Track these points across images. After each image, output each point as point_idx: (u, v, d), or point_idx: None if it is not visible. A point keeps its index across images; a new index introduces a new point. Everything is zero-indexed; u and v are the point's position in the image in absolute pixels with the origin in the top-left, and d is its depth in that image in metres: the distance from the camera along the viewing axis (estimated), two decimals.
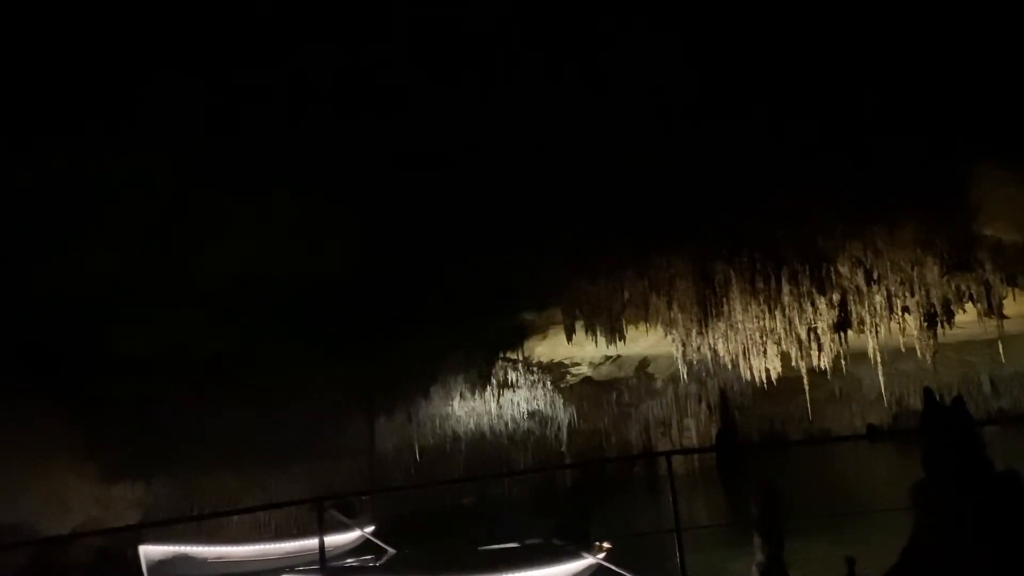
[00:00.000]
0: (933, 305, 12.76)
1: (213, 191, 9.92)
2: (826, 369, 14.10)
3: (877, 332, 13.06)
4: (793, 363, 13.83)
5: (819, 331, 13.22)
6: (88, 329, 11.19)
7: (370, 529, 11.65)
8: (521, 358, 17.38)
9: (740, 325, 13.18)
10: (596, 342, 14.77)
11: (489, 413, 18.28)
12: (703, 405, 21.77)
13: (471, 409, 17.98)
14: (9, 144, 8.77)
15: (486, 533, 10.79)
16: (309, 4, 9.04)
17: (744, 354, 13.73)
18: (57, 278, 10.14)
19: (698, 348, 14.04)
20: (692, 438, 21.55)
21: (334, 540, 12.06)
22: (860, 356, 14.63)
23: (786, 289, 12.49)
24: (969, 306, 12.93)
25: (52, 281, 10.20)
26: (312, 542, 12.00)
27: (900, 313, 12.82)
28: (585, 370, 19.56)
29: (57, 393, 11.60)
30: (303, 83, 9.43)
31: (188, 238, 10.37)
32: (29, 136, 9.26)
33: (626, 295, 13.64)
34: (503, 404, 18.25)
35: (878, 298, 12.68)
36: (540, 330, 15.88)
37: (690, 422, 21.72)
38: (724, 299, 12.88)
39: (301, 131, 9.41)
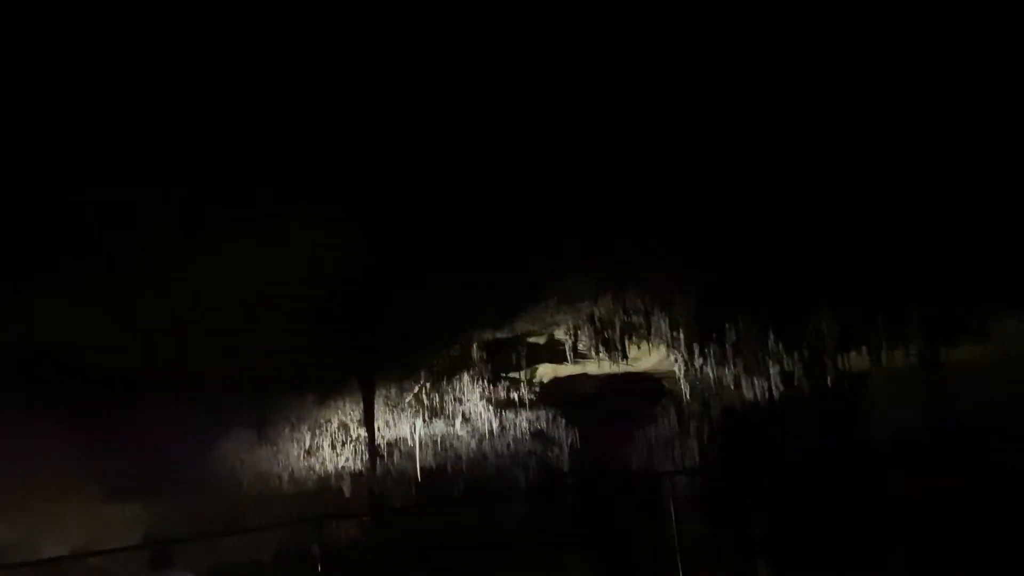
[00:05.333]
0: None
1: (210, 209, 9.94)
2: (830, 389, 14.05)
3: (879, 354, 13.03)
4: (795, 383, 13.79)
5: (822, 352, 13.20)
6: (88, 347, 11.18)
7: None
8: (524, 378, 17.36)
9: (742, 345, 13.17)
10: (598, 362, 14.75)
11: (491, 433, 18.21)
12: (706, 425, 21.61)
13: (472, 429, 17.93)
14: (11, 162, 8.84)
15: None
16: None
17: (746, 373, 13.71)
18: (56, 296, 10.17)
19: (700, 368, 14.02)
20: (695, 458, 21.36)
21: None
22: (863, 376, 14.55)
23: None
24: None
25: (52, 299, 10.23)
26: None
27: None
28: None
29: (57, 412, 11.57)
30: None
31: (188, 256, 10.40)
32: (29, 155, 9.31)
33: (627, 315, 13.64)
34: (505, 424, 18.19)
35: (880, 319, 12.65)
36: (543, 349, 15.87)
37: (692, 442, 21.56)
38: (725, 319, 12.87)
39: (295, 139, 9.43)
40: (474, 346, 14.85)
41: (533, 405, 18.24)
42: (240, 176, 9.84)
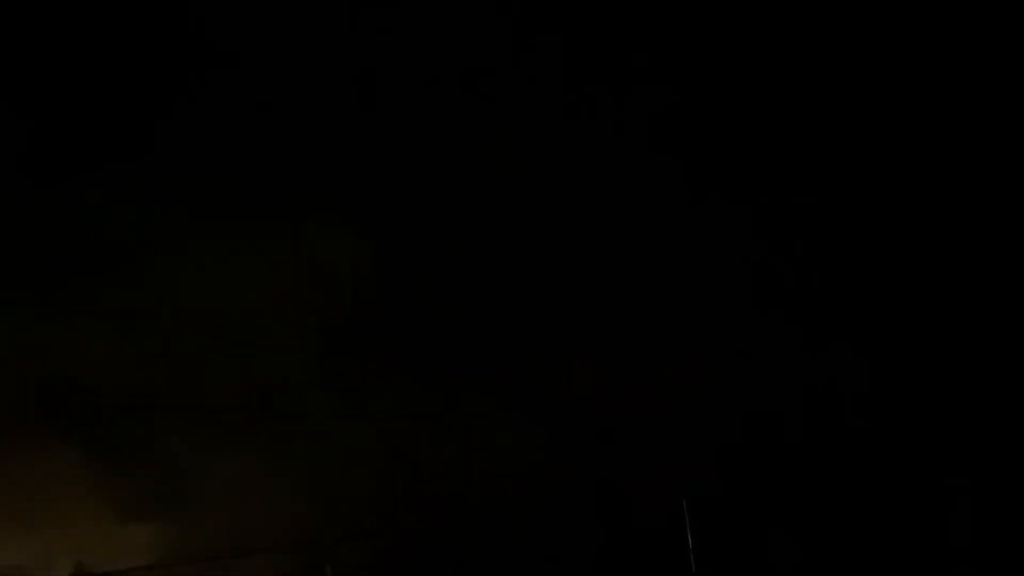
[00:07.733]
0: None
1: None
2: None
3: None
4: None
5: None
6: (98, 367, 11.13)
7: None
8: None
9: None
10: None
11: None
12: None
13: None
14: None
15: None
16: None
17: None
18: (65, 315, 10.10)
19: None
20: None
21: None
22: None
23: None
24: None
25: (61, 318, 10.17)
26: None
27: None
28: None
29: (66, 432, 11.53)
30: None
31: (196, 273, 10.31)
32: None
33: None
34: None
35: None
36: None
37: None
38: None
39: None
40: None
41: None
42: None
